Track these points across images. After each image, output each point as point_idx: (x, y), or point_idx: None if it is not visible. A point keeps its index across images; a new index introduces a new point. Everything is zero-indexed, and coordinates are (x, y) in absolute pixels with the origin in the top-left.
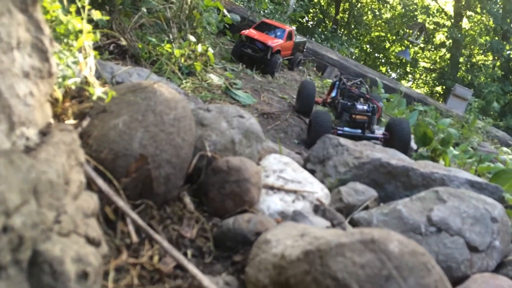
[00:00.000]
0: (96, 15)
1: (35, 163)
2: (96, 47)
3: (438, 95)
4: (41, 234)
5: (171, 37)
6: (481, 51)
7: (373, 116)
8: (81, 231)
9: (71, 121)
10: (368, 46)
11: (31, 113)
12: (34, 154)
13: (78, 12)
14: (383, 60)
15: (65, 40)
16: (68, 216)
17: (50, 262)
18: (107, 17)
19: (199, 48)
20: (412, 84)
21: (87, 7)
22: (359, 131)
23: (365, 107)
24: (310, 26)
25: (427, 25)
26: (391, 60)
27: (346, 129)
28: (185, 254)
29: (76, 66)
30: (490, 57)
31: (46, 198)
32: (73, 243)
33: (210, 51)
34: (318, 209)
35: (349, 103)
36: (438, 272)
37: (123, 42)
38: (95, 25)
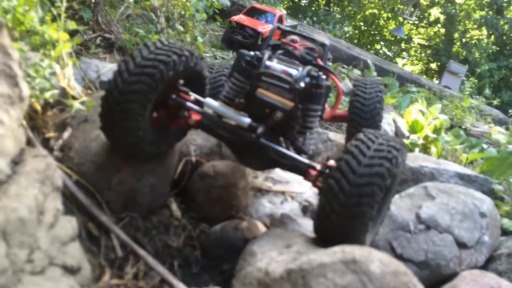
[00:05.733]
0: (72, 25)
1: (4, 201)
2: (82, 41)
3: (433, 72)
4: (11, 277)
5: (159, 27)
6: (476, 26)
7: (313, 106)
8: (58, 261)
9: (51, 134)
10: (362, 24)
11: (2, 142)
12: (4, 188)
13: (54, 19)
14: (377, 38)
15: (42, 51)
16: (42, 251)
17: None
18: (82, 27)
19: (188, 37)
20: (407, 61)
21: (63, 15)
22: (246, 119)
23: (291, 71)
24: (303, 4)
25: (421, 0)
26: (386, 37)
27: (212, 102)
28: (171, 265)
29: (55, 76)
30: (485, 32)
31: (16, 238)
32: (47, 280)
33: (199, 40)
34: (307, 209)
35: (252, 54)
36: None
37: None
38: (80, 18)
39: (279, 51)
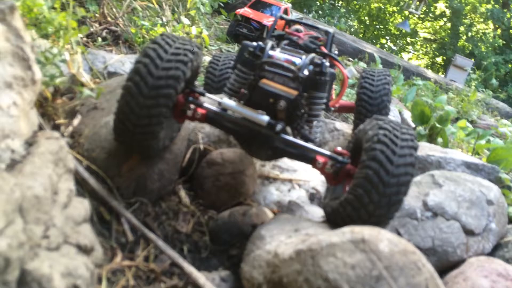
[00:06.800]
0: (81, 12)
1: (20, 179)
2: (89, 34)
3: (439, 66)
4: (28, 251)
5: (164, 20)
6: (482, 20)
7: (317, 94)
8: (72, 240)
9: (62, 120)
10: (367, 18)
11: (16, 124)
12: (19, 167)
13: (63, 7)
14: (382, 32)
15: (51, 38)
16: (57, 229)
17: (39, 280)
18: (91, 14)
19: (193, 30)
20: (412, 55)
21: (72, 2)
22: (264, 117)
23: (294, 59)
24: None
25: None
26: (391, 31)
27: (229, 102)
28: (181, 250)
29: (64, 63)
30: (491, 26)
31: (33, 214)
32: (62, 256)
33: (205, 32)
34: (314, 197)
35: (255, 44)
36: (428, 270)
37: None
38: (86, 10)
39: (284, 42)
